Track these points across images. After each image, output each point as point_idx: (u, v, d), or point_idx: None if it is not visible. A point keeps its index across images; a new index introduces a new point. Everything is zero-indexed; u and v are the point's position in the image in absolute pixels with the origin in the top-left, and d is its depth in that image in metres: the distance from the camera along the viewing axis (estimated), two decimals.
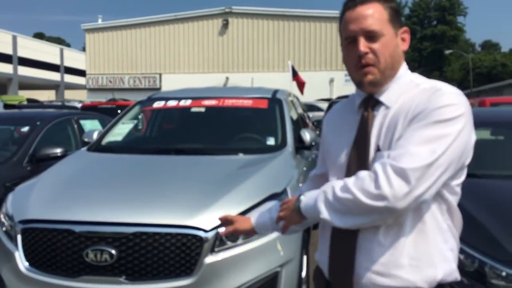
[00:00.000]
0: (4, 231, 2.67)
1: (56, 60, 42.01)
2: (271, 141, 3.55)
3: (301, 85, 13.91)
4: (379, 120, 1.25)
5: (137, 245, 2.31)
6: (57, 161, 3.48)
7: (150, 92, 5.32)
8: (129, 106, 4.40)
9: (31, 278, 2.43)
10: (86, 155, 3.57)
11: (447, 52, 39.41)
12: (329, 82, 24.26)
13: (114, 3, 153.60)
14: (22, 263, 2.46)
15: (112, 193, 2.69)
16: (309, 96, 16.42)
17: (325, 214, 1.17)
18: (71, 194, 2.72)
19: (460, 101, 1.17)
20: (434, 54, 51.75)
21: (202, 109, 3.99)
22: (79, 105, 12.42)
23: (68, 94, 40.82)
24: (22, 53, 36.67)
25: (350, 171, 1.24)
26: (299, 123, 4.50)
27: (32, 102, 15.93)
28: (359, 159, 1.24)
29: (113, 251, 2.30)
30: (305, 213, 1.25)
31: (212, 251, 2.34)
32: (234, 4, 25.93)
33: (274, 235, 2.40)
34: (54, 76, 41.56)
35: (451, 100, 1.15)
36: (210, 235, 2.34)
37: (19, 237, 2.50)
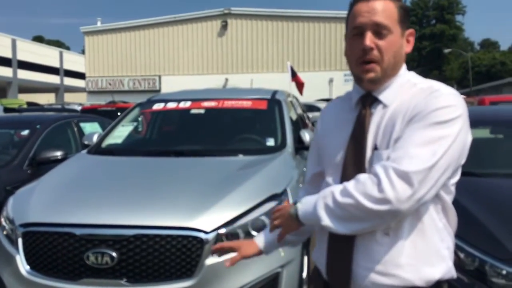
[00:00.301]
0: (5, 234, 2.67)
1: (55, 63, 42.02)
2: (270, 142, 3.56)
3: (300, 85, 13.92)
4: (377, 119, 1.24)
5: (138, 247, 2.31)
6: (58, 164, 3.48)
7: (150, 94, 5.33)
8: (129, 108, 4.40)
9: (32, 281, 2.43)
10: (86, 157, 3.57)
11: (446, 51, 39.43)
12: (329, 82, 24.28)
13: (113, 6, 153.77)
14: (23, 266, 2.47)
15: (112, 196, 2.69)
16: (309, 96, 16.43)
17: (326, 221, 1.16)
18: (72, 197, 2.72)
19: (457, 102, 1.17)
20: (433, 53, 51.78)
21: (202, 111, 4.00)
22: (79, 108, 12.43)
23: (68, 97, 40.87)
24: (21, 56, 36.68)
25: (346, 170, 1.24)
26: (299, 124, 4.50)
27: (32, 106, 15.94)
28: (355, 157, 1.23)
29: (114, 254, 2.30)
30: (304, 220, 1.23)
31: (212, 252, 2.33)
32: (232, 5, 25.99)
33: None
34: (54, 79, 41.56)
35: (449, 101, 1.15)
36: (210, 236, 2.34)
37: (20, 241, 2.50)
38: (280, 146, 3.43)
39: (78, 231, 2.37)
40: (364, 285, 1.21)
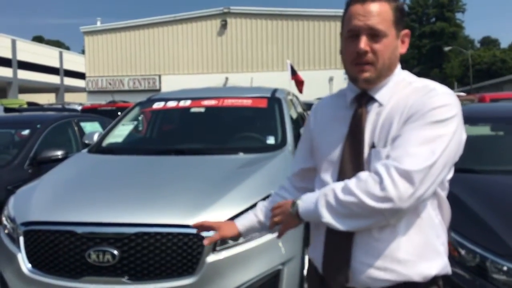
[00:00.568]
0: (6, 233, 2.68)
1: (55, 63, 42.03)
2: (271, 140, 3.56)
3: (300, 84, 13.89)
4: (373, 117, 1.25)
5: (139, 245, 2.31)
6: (58, 164, 3.49)
7: (150, 93, 5.33)
8: (129, 108, 4.41)
9: (34, 279, 2.44)
10: (87, 156, 3.58)
11: (446, 49, 39.33)
12: (329, 81, 24.24)
13: (112, 6, 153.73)
14: (24, 265, 2.47)
15: (113, 194, 2.70)
16: (309, 95, 16.39)
17: (327, 218, 1.17)
18: (73, 196, 2.73)
19: (453, 101, 1.19)
20: (434, 51, 51.71)
21: (202, 109, 4.00)
22: (79, 108, 12.44)
23: (68, 97, 40.87)
24: (21, 56, 36.70)
25: (344, 167, 1.25)
26: (299, 122, 4.50)
27: (32, 106, 15.94)
28: (353, 155, 1.24)
29: (115, 252, 2.31)
30: (304, 217, 1.25)
31: (213, 250, 2.34)
32: (232, 4, 25.96)
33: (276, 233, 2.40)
34: (54, 79, 41.58)
35: (445, 100, 1.17)
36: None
37: (21, 239, 2.51)
38: (280, 144, 3.44)
39: (79, 229, 2.38)
40: (362, 280, 1.22)
